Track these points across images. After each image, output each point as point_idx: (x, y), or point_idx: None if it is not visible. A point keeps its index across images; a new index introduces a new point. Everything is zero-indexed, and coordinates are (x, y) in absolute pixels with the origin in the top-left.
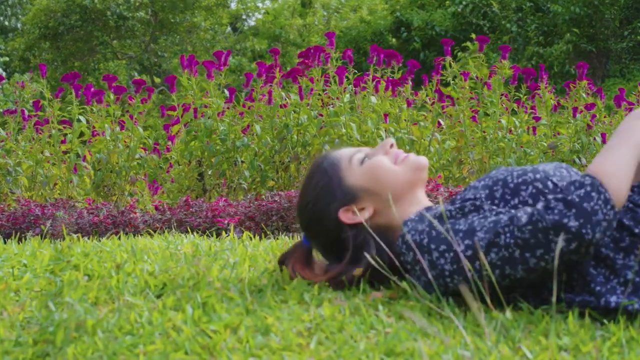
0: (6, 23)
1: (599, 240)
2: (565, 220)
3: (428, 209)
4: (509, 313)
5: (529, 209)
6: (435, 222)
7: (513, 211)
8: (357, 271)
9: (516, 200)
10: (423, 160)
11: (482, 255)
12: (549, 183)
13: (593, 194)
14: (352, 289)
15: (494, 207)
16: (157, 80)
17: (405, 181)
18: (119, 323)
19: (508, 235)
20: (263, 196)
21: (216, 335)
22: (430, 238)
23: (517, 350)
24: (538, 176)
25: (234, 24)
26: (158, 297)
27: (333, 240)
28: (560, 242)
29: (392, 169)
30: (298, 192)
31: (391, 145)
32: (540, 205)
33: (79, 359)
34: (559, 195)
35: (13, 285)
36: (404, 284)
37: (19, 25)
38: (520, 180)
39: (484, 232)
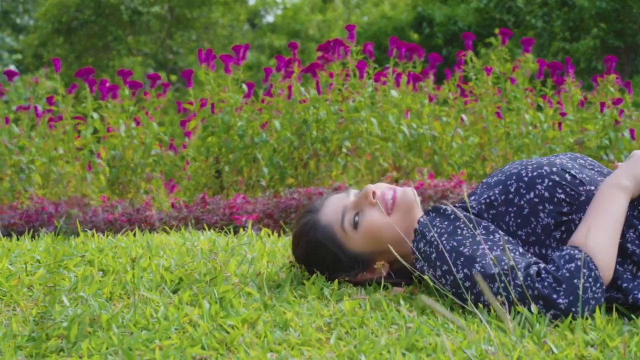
0: (18, 20)
1: (588, 317)
2: (555, 297)
3: (435, 209)
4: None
5: (529, 267)
6: (464, 219)
7: (518, 255)
8: (379, 265)
9: (532, 194)
10: (410, 194)
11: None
12: (567, 175)
13: (584, 270)
14: (373, 284)
15: (506, 238)
16: (173, 77)
17: (405, 226)
18: (134, 318)
19: (502, 286)
20: (282, 193)
21: (234, 330)
22: (437, 253)
23: (543, 345)
24: (554, 169)
25: (252, 20)
26: (174, 292)
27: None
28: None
29: (389, 225)
30: (300, 249)
31: (373, 194)
32: (532, 270)
33: (93, 354)
34: (550, 267)
35: (26, 280)
36: (427, 278)
37: (31, 22)
38: (535, 173)
39: (481, 266)
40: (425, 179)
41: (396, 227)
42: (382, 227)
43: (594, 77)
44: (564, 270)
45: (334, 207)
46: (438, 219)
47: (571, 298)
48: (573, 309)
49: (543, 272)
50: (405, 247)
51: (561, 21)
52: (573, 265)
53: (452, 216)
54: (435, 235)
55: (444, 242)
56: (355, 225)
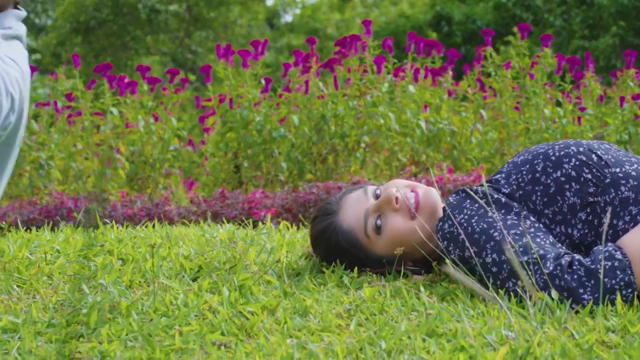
0: (37, 20)
1: (609, 303)
2: (581, 291)
3: (465, 190)
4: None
5: (560, 257)
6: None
7: (549, 244)
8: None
9: (558, 173)
10: (433, 195)
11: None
12: (594, 156)
13: (618, 272)
14: (393, 272)
15: (537, 225)
16: (192, 77)
17: (430, 227)
18: (153, 305)
19: (530, 273)
20: (300, 188)
21: (253, 316)
22: (466, 234)
23: (563, 331)
24: (582, 149)
25: (271, 20)
26: (194, 280)
27: None
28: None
29: (413, 229)
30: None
31: (396, 199)
32: (564, 261)
33: (113, 340)
34: (586, 260)
35: (46, 269)
36: (448, 262)
37: (49, 22)
38: (562, 153)
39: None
40: (444, 174)
41: (420, 230)
42: (406, 232)
43: (614, 72)
44: (598, 266)
45: (355, 212)
46: (468, 201)
47: (596, 295)
48: (595, 307)
49: (576, 263)
50: (430, 246)
51: (580, 19)
52: (609, 264)
53: (483, 199)
54: (465, 217)
55: (474, 224)
56: (378, 230)
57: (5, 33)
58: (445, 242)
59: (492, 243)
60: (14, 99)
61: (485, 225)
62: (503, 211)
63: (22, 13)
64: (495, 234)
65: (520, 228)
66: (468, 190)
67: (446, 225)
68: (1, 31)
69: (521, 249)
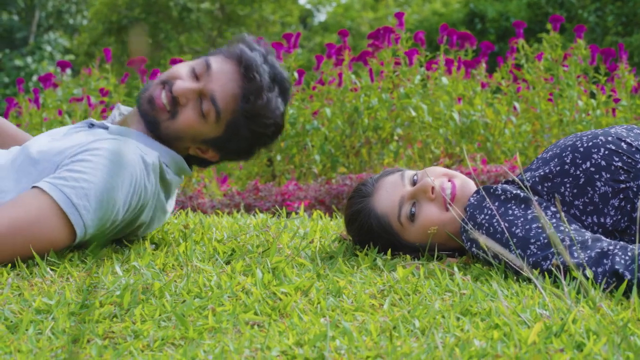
0: (71, 21)
1: None
2: (622, 270)
3: (485, 189)
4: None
5: (587, 245)
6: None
7: (573, 230)
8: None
9: (588, 164)
10: (470, 186)
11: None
12: (623, 144)
13: None
14: (426, 255)
15: (556, 213)
16: None
17: (462, 217)
18: (187, 287)
19: (561, 260)
20: (333, 180)
21: (287, 297)
22: (488, 235)
23: (598, 310)
24: (610, 138)
25: (304, 18)
26: (227, 263)
27: None
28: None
29: (447, 220)
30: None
31: (432, 189)
32: (594, 253)
33: (146, 320)
34: (632, 252)
35: (78, 253)
36: (482, 242)
37: (84, 22)
38: (591, 143)
39: (537, 247)
40: (478, 164)
41: (456, 222)
42: (439, 222)
43: None
44: None
45: (390, 196)
46: (488, 200)
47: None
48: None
49: (623, 253)
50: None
51: (614, 16)
52: None
53: (502, 196)
54: (486, 217)
55: (495, 223)
56: (412, 217)
57: (158, 167)
58: (468, 244)
59: (514, 240)
60: (128, 209)
61: (506, 224)
62: (523, 206)
63: (187, 172)
64: (517, 230)
65: (542, 221)
66: (483, 189)
67: (469, 227)
68: (159, 159)
69: (546, 240)
